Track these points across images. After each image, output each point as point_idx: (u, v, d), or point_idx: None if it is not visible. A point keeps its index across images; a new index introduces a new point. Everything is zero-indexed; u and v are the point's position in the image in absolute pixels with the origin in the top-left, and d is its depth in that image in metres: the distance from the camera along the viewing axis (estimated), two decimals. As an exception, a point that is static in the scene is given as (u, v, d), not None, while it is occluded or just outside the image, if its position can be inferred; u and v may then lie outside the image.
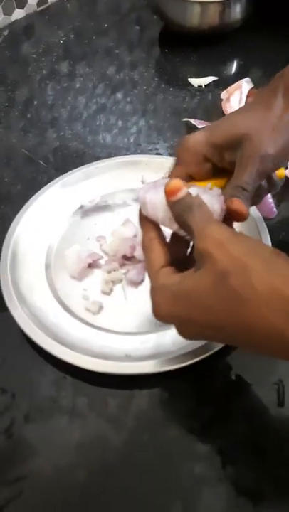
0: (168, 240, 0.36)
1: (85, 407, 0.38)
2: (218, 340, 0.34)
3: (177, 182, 0.33)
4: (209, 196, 0.34)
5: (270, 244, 0.45)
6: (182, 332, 0.33)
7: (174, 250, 0.35)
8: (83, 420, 0.38)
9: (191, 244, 0.36)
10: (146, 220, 0.36)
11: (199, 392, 0.39)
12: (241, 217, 0.35)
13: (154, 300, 0.32)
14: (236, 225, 0.37)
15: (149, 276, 0.34)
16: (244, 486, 0.34)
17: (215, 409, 0.38)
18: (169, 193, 0.33)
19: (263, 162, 0.36)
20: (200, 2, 0.70)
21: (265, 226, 0.46)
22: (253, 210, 0.47)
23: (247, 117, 0.37)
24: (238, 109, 0.41)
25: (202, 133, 0.38)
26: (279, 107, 0.37)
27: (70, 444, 0.37)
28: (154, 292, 0.33)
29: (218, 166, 0.38)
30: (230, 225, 0.35)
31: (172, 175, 0.39)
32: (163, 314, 0.32)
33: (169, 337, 0.41)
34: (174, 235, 0.36)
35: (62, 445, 0.37)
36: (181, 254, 0.36)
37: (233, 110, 0.61)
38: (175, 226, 0.34)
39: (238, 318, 0.28)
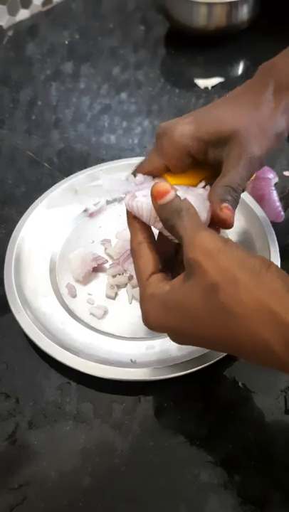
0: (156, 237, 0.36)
1: (90, 413, 0.38)
2: (209, 348, 0.34)
3: (165, 184, 0.33)
4: (195, 198, 0.34)
5: (277, 248, 0.44)
6: (174, 339, 0.33)
7: (161, 248, 0.35)
8: (88, 426, 0.37)
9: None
10: (134, 221, 0.35)
11: (205, 399, 0.38)
12: (228, 226, 0.34)
13: (144, 309, 0.32)
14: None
15: (138, 282, 0.33)
16: (250, 493, 0.34)
17: (221, 415, 0.38)
18: (156, 196, 0.32)
19: (251, 164, 0.35)
20: (207, 3, 0.70)
21: (273, 230, 0.46)
22: (261, 214, 0.47)
23: (235, 114, 0.36)
24: (223, 100, 0.39)
25: (187, 126, 0.36)
26: (268, 106, 0.36)
27: (75, 450, 0.36)
28: (143, 301, 0.32)
29: (199, 160, 0.37)
30: (217, 230, 0.35)
31: (149, 163, 0.37)
32: (153, 324, 0.32)
33: (175, 343, 0.40)
34: (161, 233, 0.36)
35: (66, 451, 0.36)
36: (167, 252, 0.36)
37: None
38: (160, 225, 0.34)
39: (226, 332, 0.28)
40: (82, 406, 0.38)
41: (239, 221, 0.48)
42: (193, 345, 0.33)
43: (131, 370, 0.38)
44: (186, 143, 0.36)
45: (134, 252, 0.34)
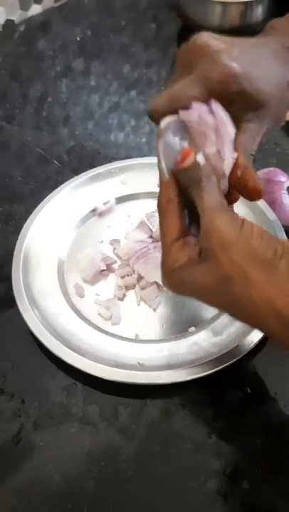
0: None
1: (96, 416, 0.38)
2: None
3: (187, 148, 0.31)
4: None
5: None
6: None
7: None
8: (94, 429, 0.37)
9: None
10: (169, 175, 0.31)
11: (214, 405, 0.38)
12: (259, 198, 0.34)
13: (163, 275, 0.32)
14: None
15: (161, 243, 0.32)
16: (258, 502, 0.33)
17: (230, 422, 0.37)
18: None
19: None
20: (222, 2, 0.69)
21: (284, 234, 0.45)
22: (272, 217, 0.46)
23: (277, 83, 0.33)
24: (268, 51, 0.35)
25: (237, 64, 0.32)
26: None
27: (80, 453, 0.36)
28: (163, 267, 0.32)
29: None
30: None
31: (184, 91, 0.33)
32: (169, 288, 0.32)
33: (184, 346, 0.40)
34: None
35: (71, 454, 0.36)
36: None
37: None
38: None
39: (236, 314, 0.30)
40: (88, 408, 0.38)
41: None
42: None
43: (138, 373, 0.38)
44: (230, 81, 0.32)
45: (161, 211, 0.32)
